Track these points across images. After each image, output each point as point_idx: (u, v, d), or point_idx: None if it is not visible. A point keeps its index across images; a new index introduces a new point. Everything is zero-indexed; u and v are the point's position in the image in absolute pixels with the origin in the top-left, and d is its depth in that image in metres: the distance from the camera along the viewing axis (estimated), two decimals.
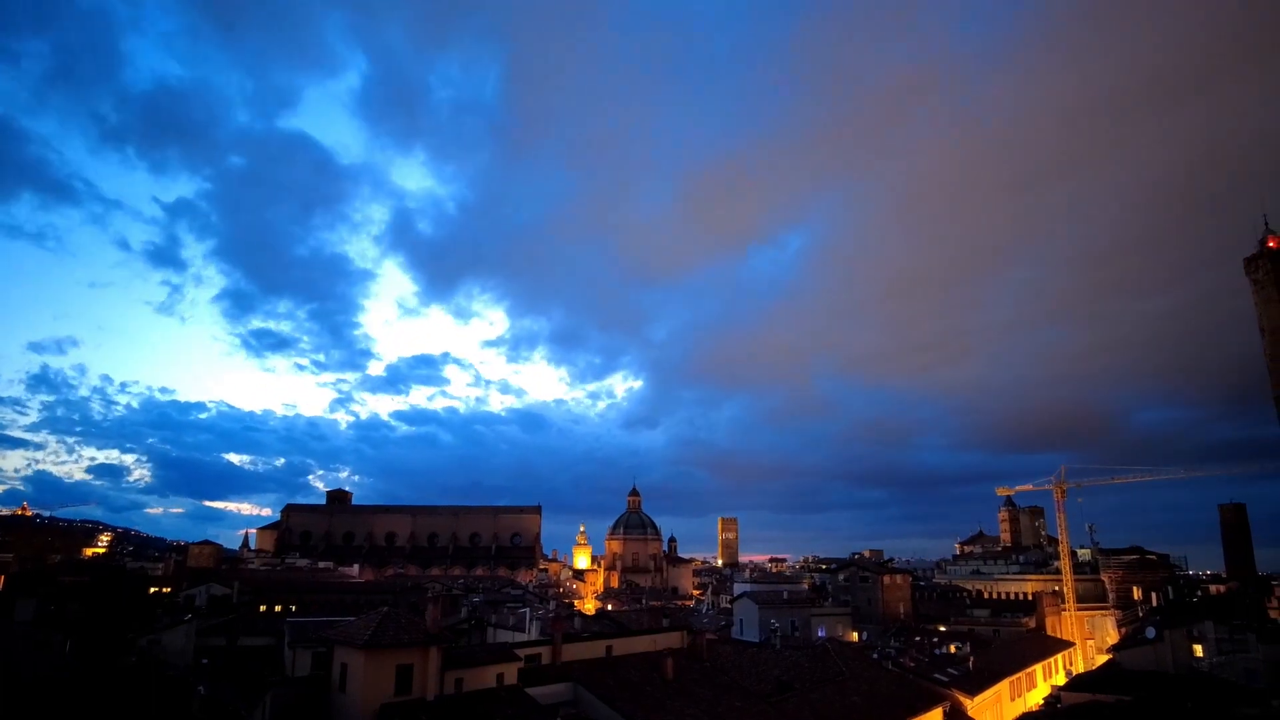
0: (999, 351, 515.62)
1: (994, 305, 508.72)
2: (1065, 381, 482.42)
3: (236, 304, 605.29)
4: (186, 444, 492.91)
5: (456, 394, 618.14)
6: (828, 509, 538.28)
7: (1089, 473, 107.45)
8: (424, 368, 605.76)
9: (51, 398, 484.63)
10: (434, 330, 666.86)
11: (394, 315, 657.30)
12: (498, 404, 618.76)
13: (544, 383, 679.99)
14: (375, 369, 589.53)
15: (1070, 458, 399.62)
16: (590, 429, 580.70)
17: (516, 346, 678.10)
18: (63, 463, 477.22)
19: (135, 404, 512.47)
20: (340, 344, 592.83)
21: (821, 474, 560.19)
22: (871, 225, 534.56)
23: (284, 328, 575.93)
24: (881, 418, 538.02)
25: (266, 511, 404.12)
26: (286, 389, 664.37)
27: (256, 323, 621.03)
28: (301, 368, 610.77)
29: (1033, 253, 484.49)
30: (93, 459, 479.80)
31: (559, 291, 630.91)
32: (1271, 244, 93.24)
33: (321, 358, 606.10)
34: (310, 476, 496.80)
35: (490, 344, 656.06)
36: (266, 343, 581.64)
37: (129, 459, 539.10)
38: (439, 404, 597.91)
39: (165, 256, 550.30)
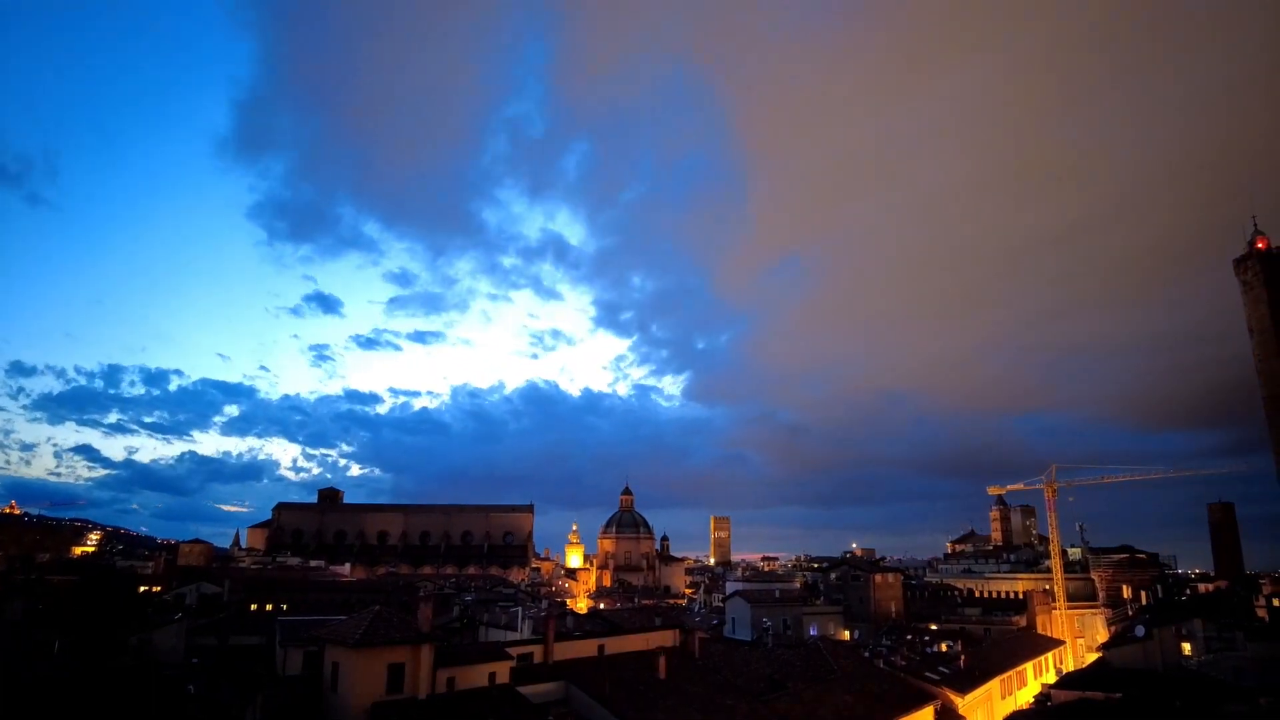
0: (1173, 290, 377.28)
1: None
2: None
3: (247, 129, 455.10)
4: (163, 428, 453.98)
5: (498, 365, 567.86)
6: (884, 502, 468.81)
7: (1080, 472, 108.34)
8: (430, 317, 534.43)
9: None
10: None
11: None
12: (529, 375, 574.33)
13: (605, 349, 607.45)
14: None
15: (1218, 437, 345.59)
16: (647, 403, 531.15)
17: (624, 254, 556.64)
18: (12, 447, 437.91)
19: (94, 367, 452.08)
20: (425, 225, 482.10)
21: (891, 460, 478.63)
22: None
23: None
24: (1007, 380, 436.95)
25: (257, 509, 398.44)
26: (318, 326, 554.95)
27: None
28: (354, 289, 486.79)
29: None
30: (50, 439, 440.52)
31: (703, 164, 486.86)
32: (1260, 245, 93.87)
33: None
34: (309, 466, 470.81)
35: (605, 244, 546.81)
36: (289, 223, 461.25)
37: (95, 437, 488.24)
38: (468, 380, 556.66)
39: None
